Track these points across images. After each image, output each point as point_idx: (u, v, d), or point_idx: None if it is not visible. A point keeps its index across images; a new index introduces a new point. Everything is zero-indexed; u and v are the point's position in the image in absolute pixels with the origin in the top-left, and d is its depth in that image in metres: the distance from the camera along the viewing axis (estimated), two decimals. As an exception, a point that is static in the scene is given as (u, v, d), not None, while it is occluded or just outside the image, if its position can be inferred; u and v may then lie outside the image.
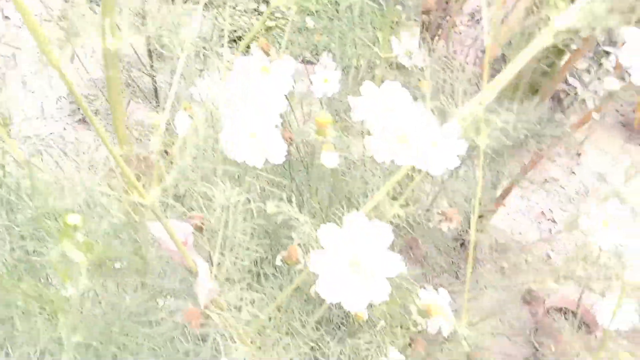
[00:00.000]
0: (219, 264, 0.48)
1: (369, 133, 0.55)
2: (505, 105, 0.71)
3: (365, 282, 0.45)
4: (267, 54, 0.68)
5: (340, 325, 0.83)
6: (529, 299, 0.66)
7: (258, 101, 0.65)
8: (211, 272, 0.49)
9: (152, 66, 1.51)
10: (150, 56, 1.55)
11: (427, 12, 0.80)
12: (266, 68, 0.68)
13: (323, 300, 0.82)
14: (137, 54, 1.65)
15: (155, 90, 1.67)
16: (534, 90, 1.47)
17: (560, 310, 1.92)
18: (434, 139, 0.64)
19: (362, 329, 0.74)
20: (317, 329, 0.81)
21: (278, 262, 0.58)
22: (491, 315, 0.77)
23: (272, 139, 0.63)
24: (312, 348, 0.76)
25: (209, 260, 0.51)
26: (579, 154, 3.19)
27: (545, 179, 3.09)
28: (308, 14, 1.23)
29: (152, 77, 1.52)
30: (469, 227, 0.87)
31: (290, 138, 0.63)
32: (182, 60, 0.74)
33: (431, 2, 0.81)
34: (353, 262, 0.45)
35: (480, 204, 1.14)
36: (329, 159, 0.58)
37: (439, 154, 0.63)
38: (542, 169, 3.02)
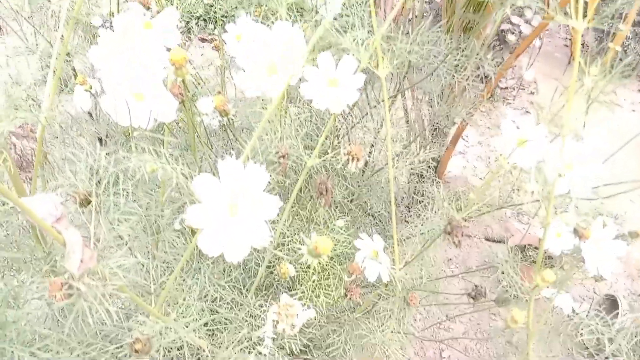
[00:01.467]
0: (95, 232, 0.44)
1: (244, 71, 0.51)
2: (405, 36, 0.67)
3: (245, 228, 0.41)
4: (148, 8, 0.63)
5: (279, 287, 0.81)
6: (449, 229, 0.63)
7: (141, 59, 0.60)
8: (90, 242, 0.45)
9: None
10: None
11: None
12: (149, 23, 0.63)
13: (258, 269, 0.79)
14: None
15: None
16: (467, 29, 1.45)
17: (524, 248, 1.93)
18: (331, 75, 0.60)
19: (298, 286, 0.71)
20: (256, 295, 0.78)
21: (177, 227, 0.54)
22: (421, 256, 0.75)
23: (160, 97, 0.59)
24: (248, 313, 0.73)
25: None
26: (532, 93, 3.21)
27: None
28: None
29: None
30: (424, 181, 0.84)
31: (180, 94, 0.58)
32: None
33: None
34: (231, 208, 0.41)
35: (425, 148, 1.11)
36: (205, 105, 0.54)
37: (337, 91, 0.60)
38: (498, 112, 3.03)
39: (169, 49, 0.65)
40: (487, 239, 2.03)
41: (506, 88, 3.01)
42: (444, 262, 1.92)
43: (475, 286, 0.78)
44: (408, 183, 1.82)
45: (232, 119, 0.61)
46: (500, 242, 2.11)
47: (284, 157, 0.62)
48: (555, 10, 0.59)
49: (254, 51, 0.51)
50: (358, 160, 0.60)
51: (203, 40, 3.35)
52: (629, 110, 3.12)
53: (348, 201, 0.89)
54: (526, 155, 0.68)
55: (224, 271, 0.66)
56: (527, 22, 2.85)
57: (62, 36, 0.67)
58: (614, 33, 3.58)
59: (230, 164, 0.41)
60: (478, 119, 2.91)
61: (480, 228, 2.08)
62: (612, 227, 0.72)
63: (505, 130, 0.69)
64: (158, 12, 0.66)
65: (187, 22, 3.23)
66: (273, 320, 0.51)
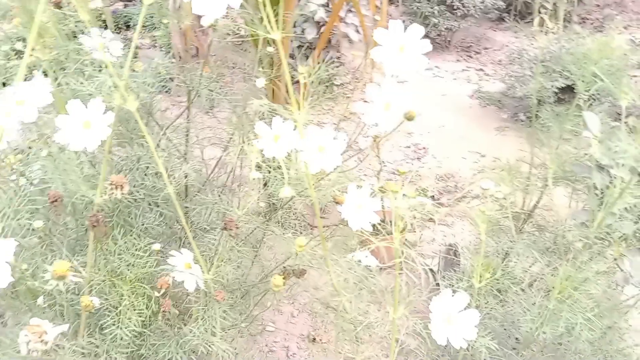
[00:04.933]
0: None
1: None
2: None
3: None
4: None
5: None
6: (224, 226, 0.73)
7: None
8: None
9: None
10: None
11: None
12: None
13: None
14: None
15: None
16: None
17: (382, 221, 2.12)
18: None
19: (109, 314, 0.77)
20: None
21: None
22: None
23: None
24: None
25: None
26: (370, 80, 3.48)
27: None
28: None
29: None
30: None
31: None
32: None
33: None
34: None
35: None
36: None
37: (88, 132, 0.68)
38: (339, 108, 3.25)
39: None
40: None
41: (342, 84, 3.25)
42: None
43: (285, 268, 0.88)
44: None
45: None
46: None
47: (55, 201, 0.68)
48: (256, 26, 0.71)
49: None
50: (122, 187, 0.68)
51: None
52: (450, 79, 3.51)
53: (161, 224, 0.95)
54: (280, 148, 0.79)
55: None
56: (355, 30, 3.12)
57: None
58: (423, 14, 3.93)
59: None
60: (323, 118, 3.11)
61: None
62: (365, 188, 0.85)
63: (260, 131, 0.80)
64: None
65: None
66: (25, 343, 0.56)
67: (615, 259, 1.27)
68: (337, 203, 0.83)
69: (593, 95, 1.48)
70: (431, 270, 1.76)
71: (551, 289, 0.99)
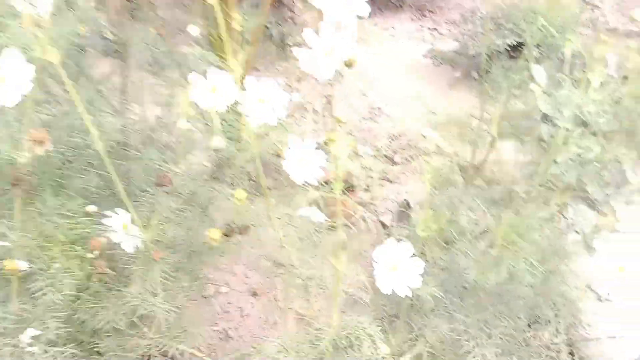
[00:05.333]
0: None
1: None
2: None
3: None
4: None
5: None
6: (158, 182, 0.70)
7: None
8: None
9: None
10: None
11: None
12: None
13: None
14: None
15: None
16: None
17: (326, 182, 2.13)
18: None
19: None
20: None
21: None
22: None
23: None
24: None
25: None
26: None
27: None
28: None
29: None
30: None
31: None
32: None
33: None
34: None
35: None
36: None
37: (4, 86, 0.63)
38: (294, 68, 3.19)
39: None
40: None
41: (295, 45, 3.17)
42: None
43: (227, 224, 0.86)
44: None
45: None
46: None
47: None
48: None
49: None
50: (43, 143, 0.64)
51: None
52: (406, 39, 3.48)
53: (99, 185, 0.91)
54: (217, 100, 0.76)
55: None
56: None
57: None
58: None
59: None
60: (277, 79, 3.04)
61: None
62: (309, 141, 0.83)
63: (194, 83, 0.76)
64: None
65: None
66: None
67: (559, 207, 1.31)
68: (280, 157, 0.81)
69: (542, 51, 1.50)
70: (383, 223, 1.78)
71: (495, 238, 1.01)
